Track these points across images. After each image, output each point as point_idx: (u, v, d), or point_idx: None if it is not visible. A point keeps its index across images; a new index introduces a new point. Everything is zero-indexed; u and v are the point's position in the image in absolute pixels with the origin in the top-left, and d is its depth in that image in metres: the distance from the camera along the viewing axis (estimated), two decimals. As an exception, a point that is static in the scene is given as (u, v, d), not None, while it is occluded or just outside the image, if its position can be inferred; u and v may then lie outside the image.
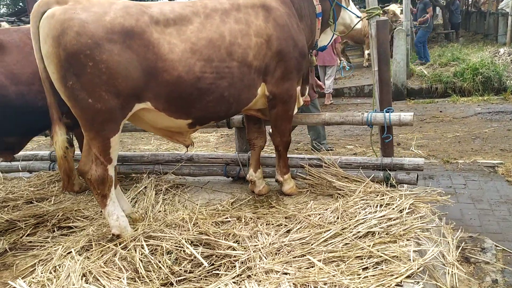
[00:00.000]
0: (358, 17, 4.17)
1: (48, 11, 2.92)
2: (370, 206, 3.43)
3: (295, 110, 4.09)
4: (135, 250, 3.05)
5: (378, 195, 3.61)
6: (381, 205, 3.46)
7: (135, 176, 4.83)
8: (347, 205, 3.50)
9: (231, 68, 3.31)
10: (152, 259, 2.93)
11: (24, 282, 2.92)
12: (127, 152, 5.05)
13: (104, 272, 2.86)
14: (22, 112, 3.58)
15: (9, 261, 3.42)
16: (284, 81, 3.62)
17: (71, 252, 3.24)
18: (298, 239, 3.09)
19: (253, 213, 3.64)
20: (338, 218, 3.33)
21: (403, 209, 3.36)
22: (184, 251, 2.97)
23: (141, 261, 2.94)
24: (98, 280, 2.79)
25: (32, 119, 3.71)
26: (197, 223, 3.31)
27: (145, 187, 4.41)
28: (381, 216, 3.27)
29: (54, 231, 3.80)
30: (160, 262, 2.90)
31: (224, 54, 3.26)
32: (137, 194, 4.30)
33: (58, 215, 4.00)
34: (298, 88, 3.88)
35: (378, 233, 3.08)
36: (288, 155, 4.19)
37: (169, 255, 2.98)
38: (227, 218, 3.47)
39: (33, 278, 2.97)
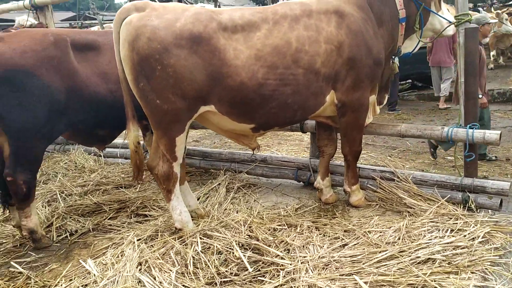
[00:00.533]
0: (449, 22, 3.81)
1: (127, 18, 3.16)
2: (439, 230, 3.17)
3: (370, 120, 3.92)
4: (190, 246, 3.20)
5: (451, 219, 3.31)
6: (452, 230, 3.17)
7: (214, 172, 5.02)
8: (412, 225, 3.26)
9: (296, 75, 3.27)
10: (202, 256, 3.04)
11: (94, 262, 3.23)
12: (207, 148, 5.26)
13: (158, 263, 3.04)
14: (112, 107, 3.90)
15: (89, 241, 3.79)
16: (355, 89, 3.47)
17: (140, 238, 3.52)
18: (349, 256, 2.97)
19: (312, 222, 3.58)
20: (399, 238, 3.13)
21: (475, 237, 3.04)
22: (233, 253, 3.04)
23: (193, 257, 3.07)
24: (151, 270, 2.98)
25: (121, 114, 4.04)
26: (251, 226, 3.34)
27: (219, 184, 4.57)
28: (448, 243, 3.00)
29: (131, 217, 4.13)
30: (209, 261, 3.00)
31: (289, 61, 3.24)
32: (209, 190, 4.48)
33: (138, 202, 4.35)
34: (373, 96, 3.70)
35: (440, 260, 2.83)
36: (360, 166, 4.04)
37: (219, 255, 3.07)
38: (283, 224, 3.45)
39: (102, 260, 3.27)
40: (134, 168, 3.55)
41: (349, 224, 3.49)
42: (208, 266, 2.96)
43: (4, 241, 3.94)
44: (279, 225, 3.43)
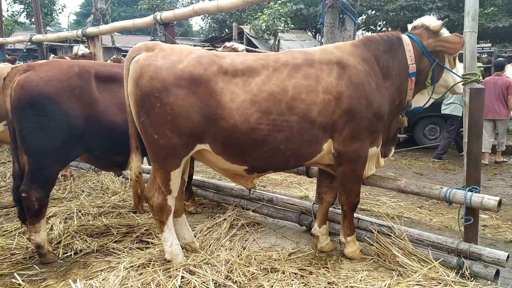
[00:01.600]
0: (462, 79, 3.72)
1: (136, 57, 3.40)
2: (422, 295, 3.04)
3: (372, 171, 3.87)
4: (172, 279, 3.28)
5: (439, 284, 3.16)
6: (437, 296, 3.03)
7: (225, 206, 5.12)
8: (397, 286, 3.15)
9: (290, 122, 3.33)
10: (178, 292, 3.12)
11: (84, 284, 3.39)
12: (221, 182, 5.38)
13: (136, 293, 3.15)
14: (128, 136, 4.15)
15: (89, 261, 3.98)
16: (353, 140, 3.47)
17: (133, 265, 3.66)
18: (321, 310, 2.92)
19: (300, 269, 3.55)
20: (379, 298, 3.04)
21: (460, 308, 2.90)
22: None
23: (171, 291, 3.15)
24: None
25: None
26: (233, 267, 3.38)
27: (224, 219, 4.65)
28: (429, 310, 2.87)
29: (134, 243, 4.29)
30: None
31: (284, 108, 3.31)
32: (214, 225, 4.57)
33: (144, 229, 4.51)
34: (374, 148, 3.66)
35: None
36: (359, 217, 3.97)
37: (194, 293, 3.13)
38: (267, 269, 3.45)
39: (92, 282, 3.43)
40: (134, 197, 3.72)
41: (335, 276, 3.43)
42: (181, 302, 3.03)
43: (17, 252, 4.21)
44: (260, 269, 3.43)
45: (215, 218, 4.75)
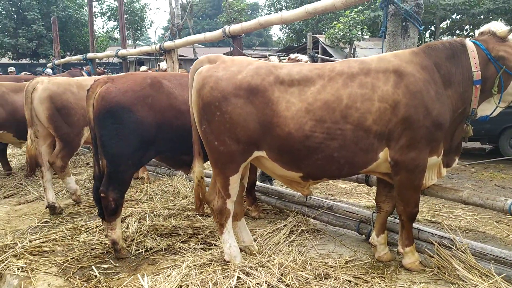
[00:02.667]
0: None
1: (200, 68, 3.65)
2: (480, 310, 2.93)
3: (434, 181, 3.79)
4: (228, 279, 3.46)
5: (500, 300, 3.03)
6: (495, 313, 2.91)
7: (287, 212, 5.23)
8: (452, 300, 3.07)
9: (344, 131, 3.38)
10: (233, 292, 3.28)
11: (151, 278, 3.67)
12: (284, 189, 5.48)
13: (194, 290, 3.36)
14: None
15: (158, 259, 4.29)
16: (410, 149, 3.43)
17: (196, 264, 3.90)
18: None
19: (354, 277, 3.57)
20: (432, 310, 2.98)
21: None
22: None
23: (226, 290, 3.33)
24: (186, 294, 3.32)
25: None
26: (286, 270, 3.48)
27: (285, 225, 4.77)
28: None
29: (199, 244, 4.55)
30: (238, 296, 3.23)
31: (338, 116, 3.37)
32: (274, 230, 4.70)
33: (208, 231, 4.76)
34: (435, 158, 3.58)
35: None
36: (420, 227, 3.89)
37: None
38: (320, 275, 3.51)
39: (158, 278, 3.71)
40: (196, 200, 3.97)
41: (391, 286, 3.40)
42: (235, 300, 3.19)
43: (96, 247, 4.64)
44: (313, 275, 3.49)
45: (276, 224, 4.88)
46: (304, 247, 4.33)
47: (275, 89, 3.47)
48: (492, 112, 3.69)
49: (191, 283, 3.47)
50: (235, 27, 5.53)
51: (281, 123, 3.41)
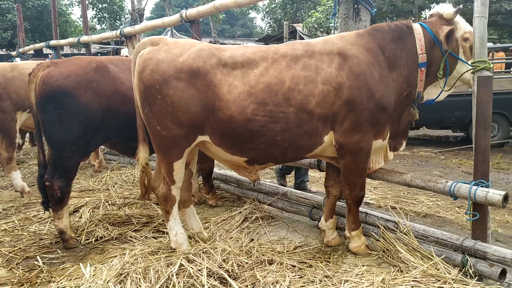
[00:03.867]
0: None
1: (141, 51, 3.54)
2: (417, 292, 2.91)
3: (381, 164, 3.76)
4: (169, 266, 3.38)
5: (438, 281, 3.02)
6: (434, 295, 2.90)
7: (245, 199, 5.16)
8: (392, 282, 3.04)
9: (287, 114, 3.31)
10: (174, 279, 3.20)
11: (96, 268, 3.57)
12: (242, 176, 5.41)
13: (135, 277, 3.27)
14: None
15: (107, 248, 4.19)
16: (354, 132, 3.38)
17: (143, 252, 3.81)
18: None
19: (300, 262, 3.53)
20: (369, 294, 2.95)
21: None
22: (200, 280, 3.15)
23: (168, 277, 3.24)
24: (125, 282, 3.23)
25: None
26: (229, 256, 3.42)
27: (240, 212, 4.71)
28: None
29: (151, 232, 4.46)
30: (178, 283, 3.14)
31: (280, 99, 3.30)
32: (228, 217, 4.64)
33: (161, 219, 4.67)
34: (380, 141, 3.54)
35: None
36: (368, 212, 3.86)
37: (188, 279, 3.20)
38: (264, 260, 3.47)
39: (103, 267, 3.61)
40: (141, 186, 3.87)
41: (334, 270, 3.37)
42: (174, 288, 3.11)
43: (46, 237, 4.52)
44: (258, 261, 3.44)
45: (231, 211, 4.82)
46: (256, 233, 4.28)
47: (218, 72, 3.38)
48: (438, 96, 3.66)
49: (133, 271, 3.38)
50: (191, 11, 5.41)
51: (223, 107, 3.33)
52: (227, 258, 3.42)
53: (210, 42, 28.58)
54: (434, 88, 3.65)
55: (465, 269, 3.12)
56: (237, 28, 52.93)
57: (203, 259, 3.40)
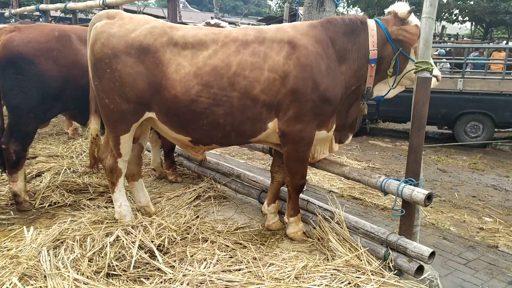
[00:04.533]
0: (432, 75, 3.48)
1: (96, 23, 3.58)
2: (334, 280, 3.02)
3: (325, 155, 3.84)
4: (107, 237, 3.49)
5: (357, 272, 3.13)
6: (349, 283, 3.00)
7: (204, 178, 5.25)
8: (314, 268, 3.16)
9: (230, 98, 3.37)
10: (108, 248, 3.30)
11: (32, 232, 3.67)
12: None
13: (70, 244, 3.37)
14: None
15: (58, 214, 4.31)
16: (297, 121, 3.44)
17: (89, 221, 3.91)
18: (227, 281, 3.00)
19: (235, 242, 3.64)
20: (288, 277, 3.05)
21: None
22: (131, 251, 3.26)
23: (102, 246, 3.35)
24: (60, 247, 3.34)
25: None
26: (164, 231, 3.53)
27: (194, 190, 4.81)
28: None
29: (105, 202, 4.56)
30: (110, 253, 3.25)
31: (225, 83, 3.35)
32: (182, 194, 4.74)
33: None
34: (324, 132, 3.60)
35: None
36: (309, 199, 3.96)
37: (120, 249, 3.31)
38: (198, 238, 3.58)
39: (41, 232, 3.70)
40: (90, 157, 3.96)
41: (264, 253, 3.48)
42: (105, 257, 3.22)
43: (2, 198, 4.63)
44: (193, 238, 3.56)
45: (187, 188, 4.92)
46: (205, 212, 4.38)
47: (167, 51, 3.42)
48: (387, 94, 3.70)
49: (71, 238, 3.48)
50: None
51: (169, 86, 3.39)
52: (162, 233, 3.52)
53: (211, 18, 28.37)
54: (385, 85, 3.68)
55: (386, 262, 3.23)
56: (250, 6, 52.53)
57: (139, 231, 3.50)
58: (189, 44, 3.45)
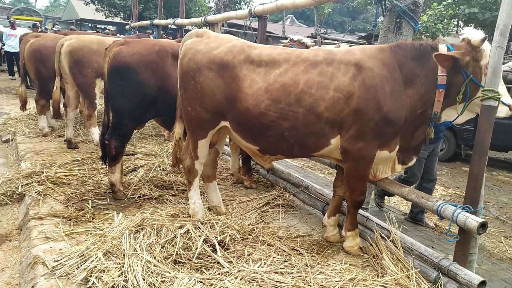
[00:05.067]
0: (504, 104, 3.43)
1: (187, 41, 4.09)
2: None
3: (387, 175, 3.94)
4: (180, 228, 3.94)
5: (403, 292, 3.21)
6: (392, 302, 3.11)
7: (276, 186, 5.56)
8: (361, 283, 3.29)
9: (296, 113, 3.64)
10: (178, 239, 3.74)
11: (120, 216, 4.26)
12: (276, 164, 5.77)
13: (148, 231, 3.87)
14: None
15: (145, 204, 4.89)
16: (358, 140, 3.61)
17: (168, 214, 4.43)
18: (276, 281, 3.26)
19: (292, 249, 3.87)
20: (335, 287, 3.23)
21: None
22: (197, 244, 3.67)
23: (173, 237, 3.80)
24: (139, 233, 3.85)
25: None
26: (227, 230, 3.89)
27: (265, 197, 5.14)
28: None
29: (185, 199, 5.07)
30: (179, 243, 3.69)
31: (292, 99, 3.64)
32: (253, 199, 5.09)
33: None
34: (385, 152, 3.72)
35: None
36: (369, 217, 4.08)
37: (189, 241, 3.73)
38: (259, 240, 3.88)
39: (128, 218, 4.28)
40: (173, 158, 4.49)
41: (318, 262, 3.68)
42: (174, 246, 3.67)
43: (103, 187, 5.36)
44: (253, 239, 3.87)
45: (259, 194, 5.26)
46: (271, 217, 4.69)
47: (244, 67, 3.81)
48: (455, 119, 3.71)
49: (150, 226, 4.00)
50: (258, 8, 5.87)
51: (242, 99, 3.77)
52: (226, 231, 3.89)
53: (311, 34, 28.74)
54: (454, 110, 3.68)
55: (435, 286, 3.25)
56: (358, 22, 52.36)
57: (206, 227, 3.91)
58: (264, 62, 3.80)
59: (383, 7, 4.38)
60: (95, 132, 6.87)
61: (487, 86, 3.24)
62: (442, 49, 3.63)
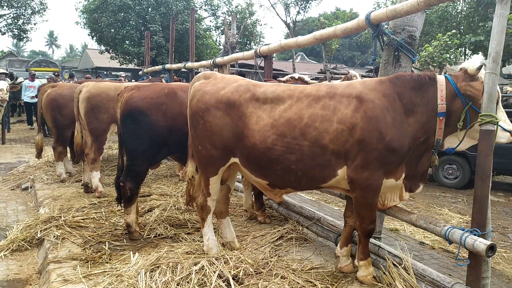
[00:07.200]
0: (505, 130, 3.52)
1: (196, 83, 4.31)
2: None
3: (395, 203, 4.00)
4: (194, 266, 4.01)
5: (417, 318, 3.21)
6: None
7: (290, 220, 5.63)
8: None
9: (302, 146, 3.78)
10: (193, 276, 3.82)
11: (137, 256, 4.36)
12: (287, 198, 5.85)
13: (163, 269, 3.95)
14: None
15: (161, 244, 4.98)
16: (364, 169, 3.71)
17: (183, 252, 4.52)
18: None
19: (306, 281, 3.90)
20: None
21: None
22: (211, 280, 3.73)
23: (188, 274, 3.88)
24: (154, 271, 3.93)
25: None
26: (241, 265, 3.95)
27: (278, 231, 5.20)
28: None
29: (199, 237, 5.15)
30: (194, 279, 3.76)
31: (297, 133, 3.78)
32: (267, 234, 5.15)
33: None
34: (392, 180, 3.80)
35: None
36: (381, 246, 4.10)
37: (204, 277, 3.80)
38: (273, 273, 3.93)
39: (144, 257, 4.38)
40: (186, 195, 4.61)
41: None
42: (190, 283, 3.74)
43: (119, 228, 5.49)
44: (267, 273, 3.92)
45: (273, 229, 5.32)
46: (285, 251, 4.73)
47: (250, 105, 3.99)
48: (457, 146, 3.79)
49: (165, 264, 4.08)
50: (263, 48, 6.14)
51: (249, 135, 3.92)
52: (239, 265, 3.96)
53: (320, 70, 29.22)
54: (455, 137, 3.77)
55: (449, 313, 3.25)
56: (368, 56, 53.19)
57: (220, 263, 3.99)
58: (268, 99, 3.97)
59: (381, 42, 4.56)
60: (96, 177, 7.01)
61: (484, 111, 3.34)
62: (439, 79, 3.77)
